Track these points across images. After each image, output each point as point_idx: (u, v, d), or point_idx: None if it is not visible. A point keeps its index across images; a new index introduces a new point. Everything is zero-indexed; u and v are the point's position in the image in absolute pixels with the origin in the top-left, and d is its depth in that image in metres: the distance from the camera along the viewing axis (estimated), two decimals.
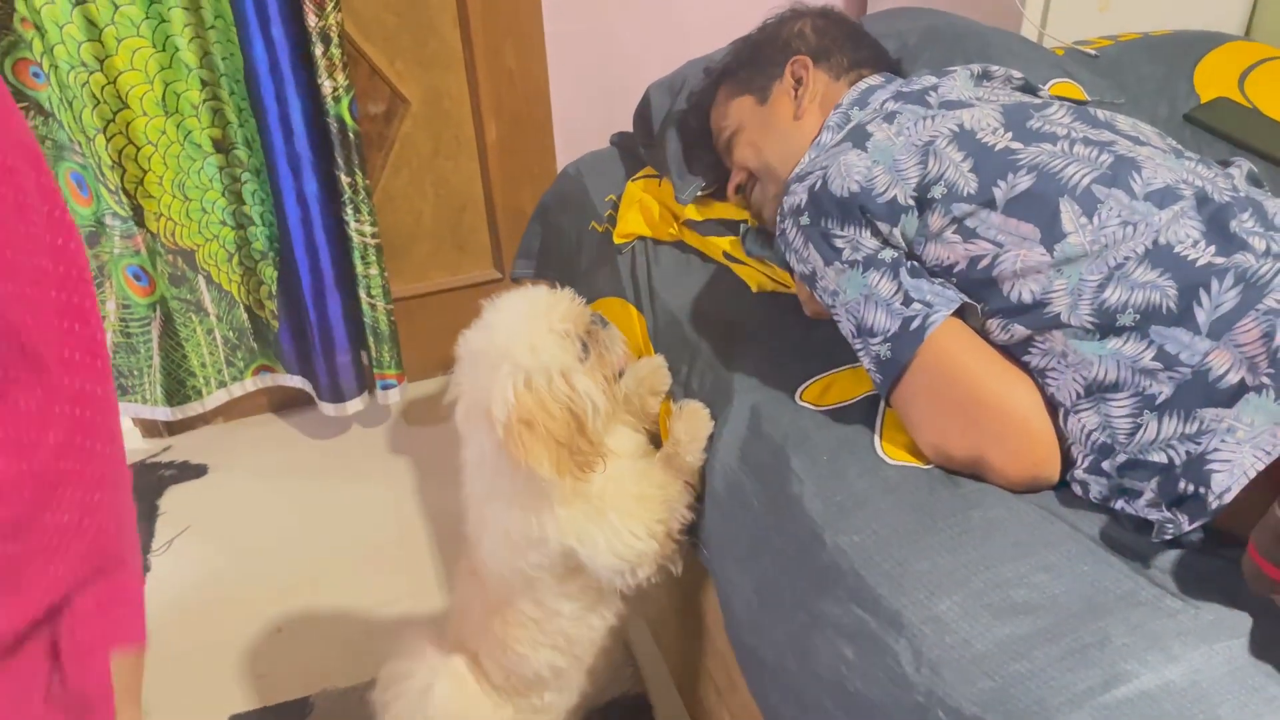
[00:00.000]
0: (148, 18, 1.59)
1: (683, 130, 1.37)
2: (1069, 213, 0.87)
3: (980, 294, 0.92)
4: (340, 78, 1.63)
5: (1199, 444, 0.77)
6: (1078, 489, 0.88)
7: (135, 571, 0.87)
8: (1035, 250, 0.87)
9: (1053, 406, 0.90)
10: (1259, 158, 1.29)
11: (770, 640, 0.93)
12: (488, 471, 1.04)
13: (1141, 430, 0.82)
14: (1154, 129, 1.02)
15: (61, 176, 1.63)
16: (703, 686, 1.31)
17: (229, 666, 1.55)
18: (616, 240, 1.38)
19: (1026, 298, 0.88)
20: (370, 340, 1.89)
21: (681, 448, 1.07)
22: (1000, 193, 0.90)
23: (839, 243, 0.95)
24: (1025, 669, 0.73)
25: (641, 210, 1.39)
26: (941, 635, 0.77)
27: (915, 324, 0.91)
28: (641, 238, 1.37)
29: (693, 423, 1.08)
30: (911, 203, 0.94)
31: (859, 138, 0.98)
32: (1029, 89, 1.15)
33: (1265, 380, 0.75)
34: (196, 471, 1.96)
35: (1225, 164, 1.01)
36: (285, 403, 2.09)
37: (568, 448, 0.96)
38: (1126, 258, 0.84)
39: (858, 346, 0.96)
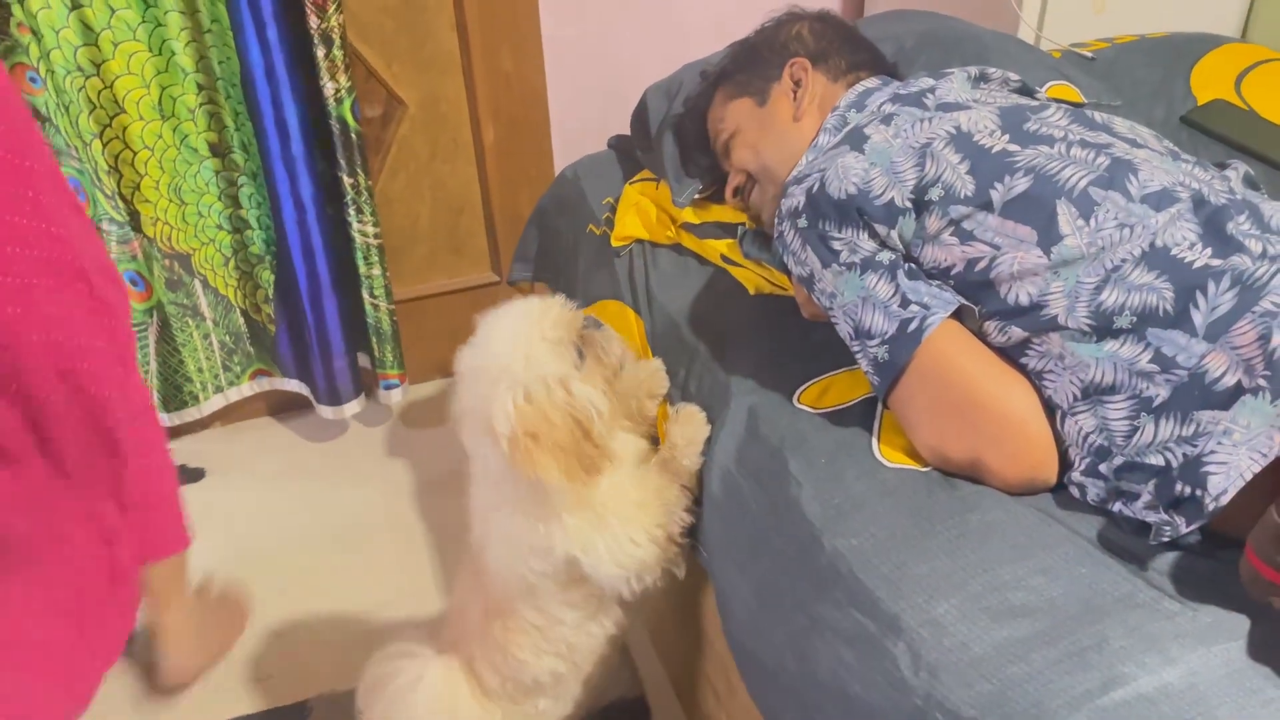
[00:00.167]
0: (144, 22, 1.59)
1: (679, 133, 1.37)
2: (1066, 215, 0.87)
3: (977, 296, 0.92)
4: (342, 79, 1.63)
5: (1195, 446, 0.77)
6: (1075, 491, 0.88)
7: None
8: (1032, 252, 0.88)
9: (1050, 409, 0.90)
10: (1256, 160, 1.30)
11: (770, 644, 0.93)
12: (492, 483, 1.05)
13: (1138, 433, 0.82)
14: (1151, 131, 1.02)
15: None
16: (701, 690, 1.30)
17: (227, 671, 1.54)
18: (614, 243, 1.38)
19: (1023, 300, 0.88)
20: (373, 340, 1.89)
21: (679, 452, 1.07)
22: (997, 195, 0.90)
23: (836, 245, 0.96)
24: (1023, 672, 0.73)
25: (639, 213, 1.39)
26: (940, 638, 0.77)
27: (912, 326, 0.91)
28: (639, 240, 1.37)
29: (689, 427, 1.08)
30: (909, 205, 0.94)
31: (856, 140, 0.99)
32: (1026, 91, 1.15)
33: (1261, 382, 0.75)
34: (194, 475, 1.95)
35: (1222, 166, 1.01)
36: (283, 406, 2.08)
37: (574, 454, 0.96)
38: (1123, 260, 0.84)
39: (855, 349, 0.96)
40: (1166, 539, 0.78)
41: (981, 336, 0.93)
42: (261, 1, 1.56)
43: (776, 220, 1.02)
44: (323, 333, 1.86)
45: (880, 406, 0.99)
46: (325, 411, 1.95)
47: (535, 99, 1.93)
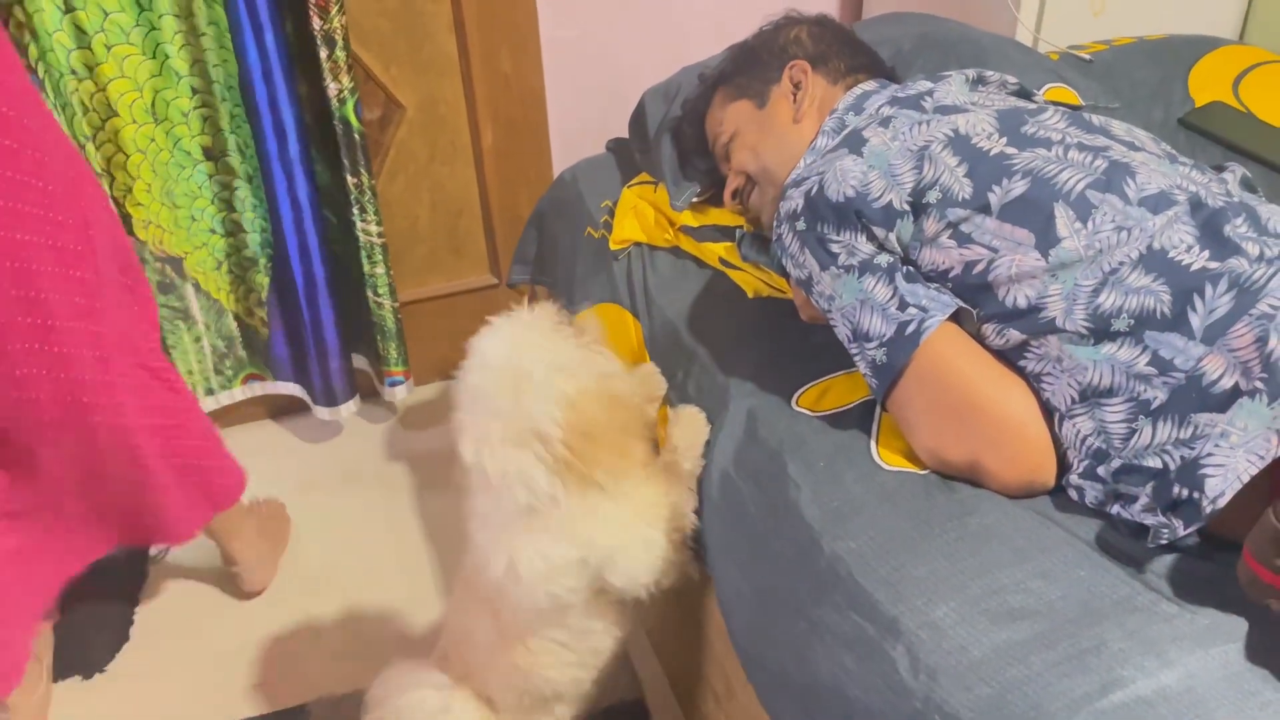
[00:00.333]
0: (138, 25, 1.59)
1: (677, 136, 1.37)
2: (1063, 218, 0.87)
3: (975, 299, 0.92)
4: (345, 80, 1.64)
5: (1193, 449, 0.77)
6: (1073, 494, 0.88)
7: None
8: (1030, 255, 0.88)
9: (1048, 411, 0.90)
10: (1253, 162, 1.30)
11: (771, 647, 0.93)
12: (511, 503, 0.98)
13: (1136, 435, 0.82)
14: (1148, 134, 1.02)
15: None
16: (700, 693, 1.30)
17: (226, 674, 1.54)
18: (612, 246, 1.38)
19: (1021, 303, 0.88)
20: (377, 338, 1.89)
21: (679, 454, 1.07)
22: (995, 198, 0.90)
23: (835, 248, 0.96)
24: (1022, 675, 0.73)
25: (637, 216, 1.39)
26: (939, 641, 0.77)
27: (910, 329, 0.91)
28: (637, 243, 1.37)
29: (689, 429, 1.08)
30: (907, 208, 0.94)
31: (855, 143, 0.99)
32: (1024, 94, 1.15)
33: (1259, 385, 0.75)
34: None
35: (1219, 169, 1.01)
36: (283, 409, 2.08)
37: (627, 425, 0.95)
38: (1121, 263, 0.85)
39: (854, 351, 0.96)
40: (1164, 541, 0.78)
41: (979, 339, 0.93)
42: (259, 5, 1.57)
43: (775, 223, 1.02)
44: (319, 333, 1.86)
45: (879, 409, 0.99)
46: (322, 412, 1.95)
47: (534, 101, 1.93)
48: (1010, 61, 1.36)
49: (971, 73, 1.13)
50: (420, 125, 1.89)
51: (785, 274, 1.05)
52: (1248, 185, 1.01)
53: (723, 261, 1.26)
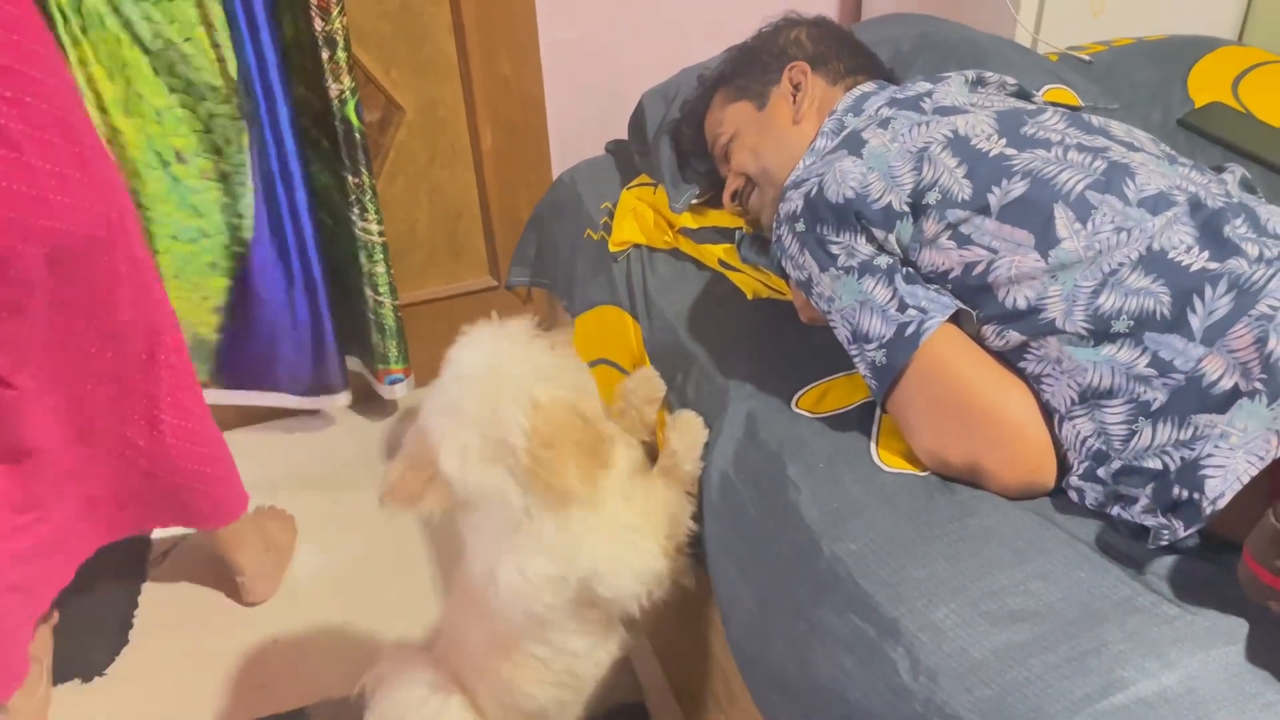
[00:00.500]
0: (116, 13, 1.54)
1: (676, 138, 1.37)
2: (1063, 219, 0.87)
3: (975, 300, 0.92)
4: (346, 80, 1.63)
5: (1193, 450, 0.77)
6: (1073, 495, 0.88)
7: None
8: (1030, 256, 0.88)
9: (1048, 413, 0.90)
10: (1253, 162, 1.30)
11: (771, 649, 0.93)
12: (497, 517, 0.98)
13: (1136, 436, 0.82)
14: (1148, 135, 1.02)
15: None
16: (702, 696, 1.30)
17: (225, 678, 1.54)
18: (612, 248, 1.38)
19: (1021, 304, 0.88)
20: (377, 336, 1.89)
21: (678, 458, 1.07)
22: (994, 199, 0.90)
23: (834, 249, 0.96)
24: (1022, 676, 0.73)
25: (636, 218, 1.39)
26: (939, 643, 0.77)
27: (910, 330, 0.91)
28: (637, 246, 1.37)
29: (687, 432, 1.08)
30: (906, 209, 0.94)
31: (854, 144, 0.99)
32: (1023, 95, 1.15)
33: (1258, 386, 0.75)
34: None
35: (1219, 169, 1.01)
36: (280, 412, 2.08)
37: (587, 449, 0.94)
38: (1120, 264, 0.85)
39: (853, 353, 0.96)
40: (1165, 543, 0.78)
41: (979, 340, 0.93)
42: (255, 6, 1.56)
43: (774, 224, 1.02)
44: (318, 330, 1.85)
45: (879, 411, 0.99)
46: (307, 402, 1.93)
47: (533, 103, 1.93)
48: (1009, 62, 1.36)
49: (971, 74, 1.13)
50: (420, 127, 1.89)
51: (785, 275, 1.05)
52: (1247, 186, 1.01)
53: (722, 263, 1.26)
